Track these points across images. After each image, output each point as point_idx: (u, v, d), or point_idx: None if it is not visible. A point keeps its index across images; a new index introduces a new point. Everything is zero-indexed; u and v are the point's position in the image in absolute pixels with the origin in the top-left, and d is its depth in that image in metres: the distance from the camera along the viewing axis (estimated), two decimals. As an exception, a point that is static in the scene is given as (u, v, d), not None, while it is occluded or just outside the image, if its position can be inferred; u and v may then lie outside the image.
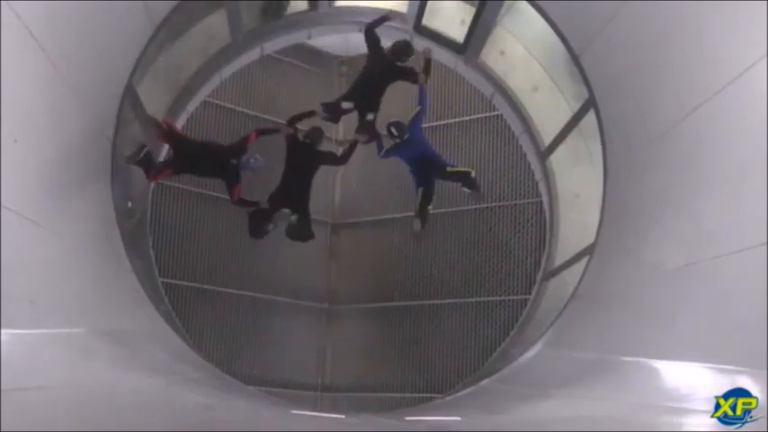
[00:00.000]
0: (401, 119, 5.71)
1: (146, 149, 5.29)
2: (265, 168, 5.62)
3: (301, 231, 5.83)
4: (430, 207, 5.78)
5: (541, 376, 4.73)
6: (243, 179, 5.46)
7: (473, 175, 5.77)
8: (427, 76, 5.55)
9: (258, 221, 5.66)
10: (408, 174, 5.85)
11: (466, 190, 5.80)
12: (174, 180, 7.07)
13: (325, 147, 6.13)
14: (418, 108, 5.74)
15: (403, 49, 5.47)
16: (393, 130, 5.62)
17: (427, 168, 5.69)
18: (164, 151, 6.24)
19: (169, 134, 5.42)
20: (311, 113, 5.76)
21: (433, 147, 6.14)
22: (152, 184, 6.84)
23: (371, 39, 5.49)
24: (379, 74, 5.56)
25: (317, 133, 5.75)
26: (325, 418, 5.72)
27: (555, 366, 4.59)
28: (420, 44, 7.22)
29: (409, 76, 5.53)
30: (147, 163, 5.32)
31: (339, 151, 6.50)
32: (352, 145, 5.78)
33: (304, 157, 5.70)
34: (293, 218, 5.76)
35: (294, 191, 5.69)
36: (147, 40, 4.81)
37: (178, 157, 5.42)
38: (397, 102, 8.12)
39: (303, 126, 5.82)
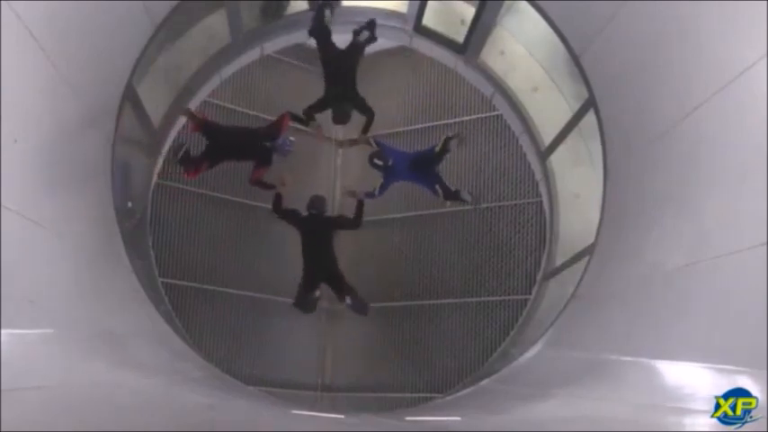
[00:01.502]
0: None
1: (185, 147, 5.32)
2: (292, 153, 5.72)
3: (357, 307, 5.81)
4: (453, 188, 5.94)
5: (541, 376, 4.73)
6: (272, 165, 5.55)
7: (449, 135, 5.98)
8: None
9: (305, 298, 5.78)
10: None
11: (455, 143, 5.96)
12: (174, 180, 7.07)
13: (326, 150, 6.13)
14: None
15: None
16: (377, 160, 5.68)
17: (424, 168, 5.77)
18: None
19: (204, 124, 5.44)
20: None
21: (427, 146, 6.25)
22: (152, 184, 6.85)
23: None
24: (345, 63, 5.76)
25: (318, 201, 5.79)
26: (325, 418, 5.71)
27: (555, 366, 4.59)
28: (420, 45, 7.27)
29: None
30: (186, 160, 5.35)
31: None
32: (359, 205, 5.79)
33: (316, 229, 5.70)
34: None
35: (324, 266, 5.68)
36: (147, 40, 4.81)
37: (213, 147, 5.44)
38: (396, 103, 8.14)
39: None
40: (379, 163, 5.67)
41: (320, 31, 5.74)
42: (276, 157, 5.62)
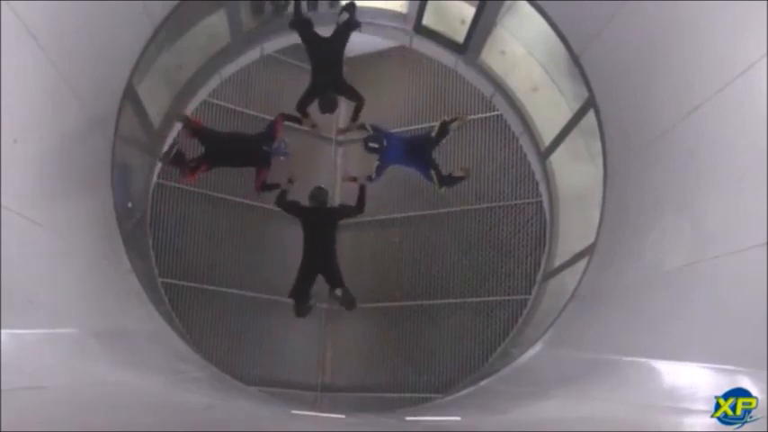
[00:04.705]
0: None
1: (176, 148, 5.31)
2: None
3: (345, 300, 5.77)
4: (444, 172, 5.94)
5: (541, 376, 4.73)
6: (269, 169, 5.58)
7: (446, 118, 6.02)
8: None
9: (300, 305, 5.74)
10: (409, 175, 5.90)
11: (455, 126, 6.01)
12: (174, 180, 7.07)
13: (326, 148, 6.08)
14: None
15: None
16: (372, 143, 5.69)
17: (420, 151, 5.80)
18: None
19: (198, 131, 5.44)
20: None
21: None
22: (152, 184, 6.84)
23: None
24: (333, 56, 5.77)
25: (320, 193, 5.80)
26: (325, 418, 5.71)
27: (555, 366, 4.59)
28: (420, 45, 7.26)
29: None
30: (180, 161, 5.34)
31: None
32: (361, 189, 5.79)
33: (318, 220, 5.69)
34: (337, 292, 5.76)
35: (322, 259, 5.66)
36: (147, 40, 4.81)
37: (211, 152, 5.44)
38: (396, 103, 8.15)
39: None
40: (375, 146, 5.67)
41: (300, 22, 5.80)
42: (275, 159, 5.64)
